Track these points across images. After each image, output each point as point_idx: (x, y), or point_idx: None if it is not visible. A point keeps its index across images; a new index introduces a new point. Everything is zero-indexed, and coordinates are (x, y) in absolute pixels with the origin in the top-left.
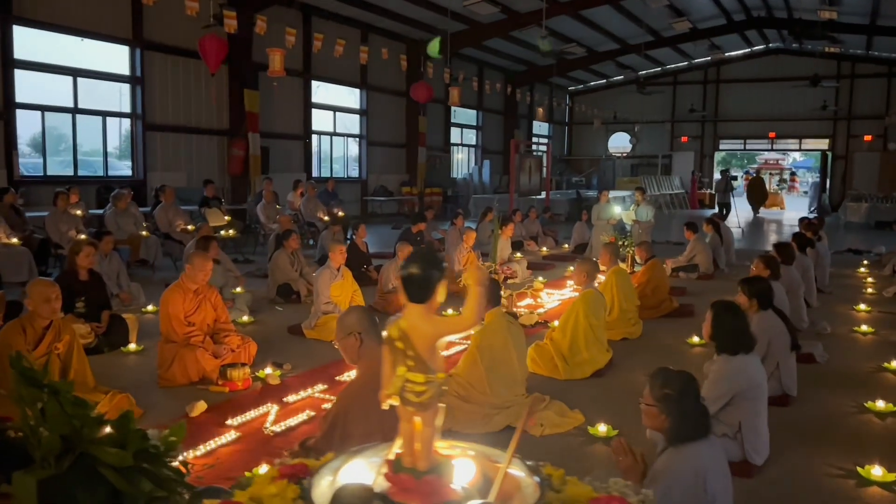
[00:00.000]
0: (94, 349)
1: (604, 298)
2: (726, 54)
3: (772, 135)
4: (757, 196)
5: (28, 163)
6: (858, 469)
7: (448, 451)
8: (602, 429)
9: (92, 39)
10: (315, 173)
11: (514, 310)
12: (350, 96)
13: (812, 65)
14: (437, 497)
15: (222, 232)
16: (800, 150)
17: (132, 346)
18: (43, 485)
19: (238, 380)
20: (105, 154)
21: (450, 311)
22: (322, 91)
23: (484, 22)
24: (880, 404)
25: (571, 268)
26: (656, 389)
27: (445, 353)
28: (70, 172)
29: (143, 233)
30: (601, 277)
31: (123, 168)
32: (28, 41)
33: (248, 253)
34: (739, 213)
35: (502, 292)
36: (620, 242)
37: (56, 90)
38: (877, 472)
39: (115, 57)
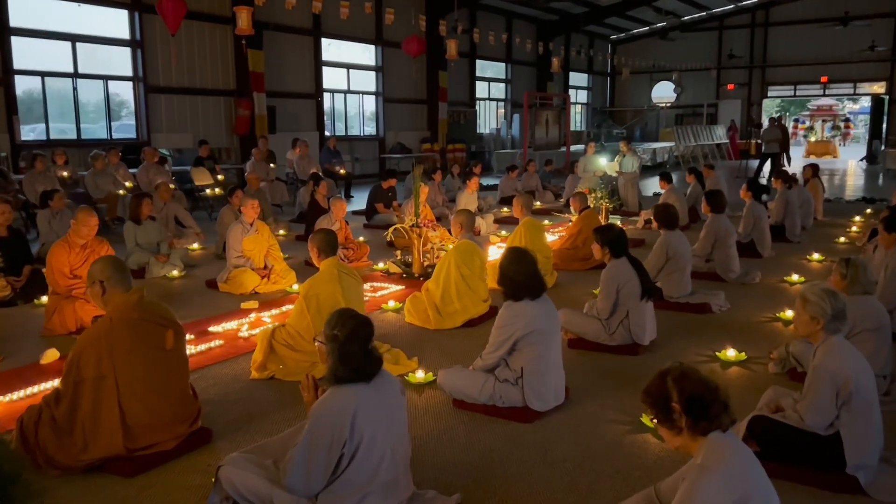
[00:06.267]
0: (10, 301)
1: (480, 249)
2: None
3: (824, 79)
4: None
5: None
6: (643, 418)
7: None
8: (420, 375)
9: (90, 4)
10: (329, 131)
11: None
12: (364, 53)
13: (868, 2)
14: None
15: (208, 191)
16: (854, 94)
17: (44, 299)
18: None
19: None
20: (108, 117)
21: (381, 264)
22: (334, 48)
23: None
24: (731, 353)
25: (546, 221)
26: (328, 329)
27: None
28: (73, 136)
29: (121, 192)
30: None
31: (130, 131)
32: (24, 8)
33: None
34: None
35: (429, 244)
36: (597, 194)
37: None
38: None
39: (115, 21)
